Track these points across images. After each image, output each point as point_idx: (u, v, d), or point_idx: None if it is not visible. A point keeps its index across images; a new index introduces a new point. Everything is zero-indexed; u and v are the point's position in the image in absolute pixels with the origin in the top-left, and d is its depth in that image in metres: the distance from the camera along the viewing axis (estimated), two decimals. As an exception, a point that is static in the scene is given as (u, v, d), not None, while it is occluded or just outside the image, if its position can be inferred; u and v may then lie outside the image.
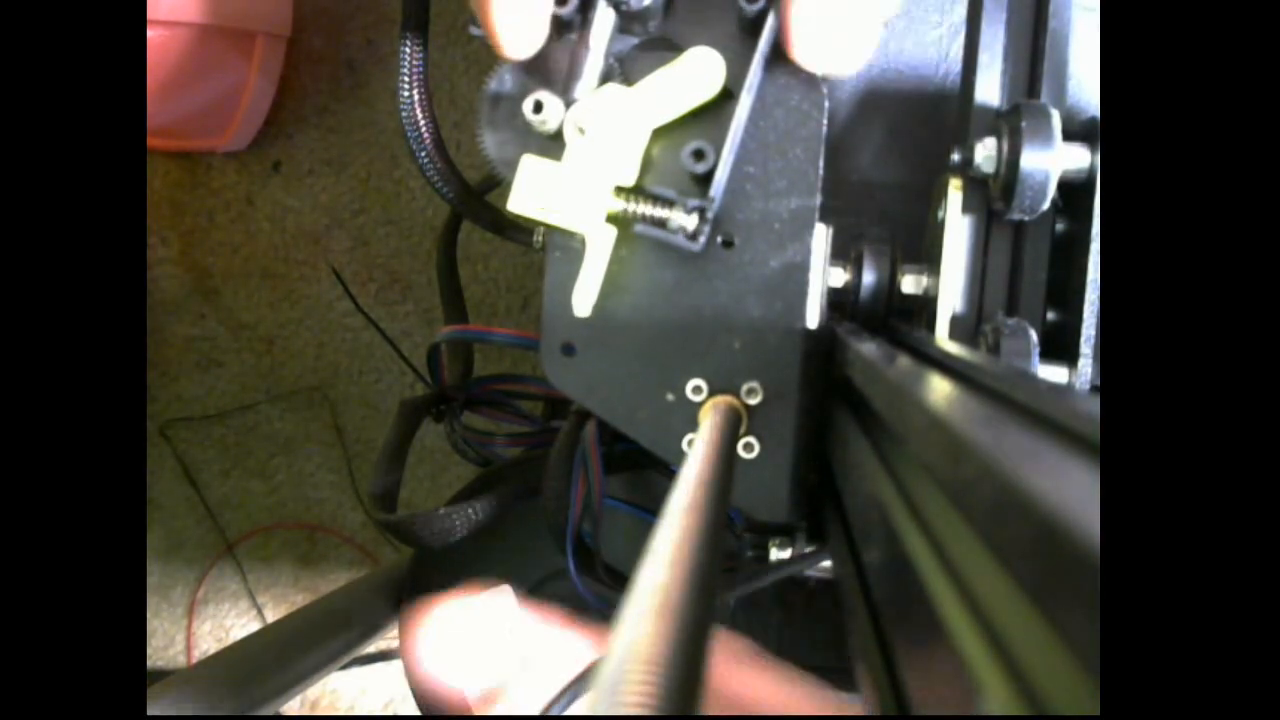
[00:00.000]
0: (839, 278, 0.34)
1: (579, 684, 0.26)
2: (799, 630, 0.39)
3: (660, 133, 0.28)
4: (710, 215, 0.28)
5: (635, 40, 0.29)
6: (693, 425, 0.30)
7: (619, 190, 0.28)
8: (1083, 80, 0.35)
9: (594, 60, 0.28)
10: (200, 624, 1.03)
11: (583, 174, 0.28)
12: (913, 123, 0.36)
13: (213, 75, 0.85)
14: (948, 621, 0.14)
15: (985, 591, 0.13)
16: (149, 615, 1.03)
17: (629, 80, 0.28)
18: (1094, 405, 0.14)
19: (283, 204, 0.97)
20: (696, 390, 0.30)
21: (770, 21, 0.27)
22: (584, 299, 0.29)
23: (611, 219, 0.29)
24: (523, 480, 0.52)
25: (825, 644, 0.39)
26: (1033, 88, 0.34)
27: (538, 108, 0.28)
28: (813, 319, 0.30)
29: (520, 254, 0.93)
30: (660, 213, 0.28)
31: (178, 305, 0.99)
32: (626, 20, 0.28)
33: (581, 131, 0.27)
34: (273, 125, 0.95)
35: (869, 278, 0.35)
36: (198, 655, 1.02)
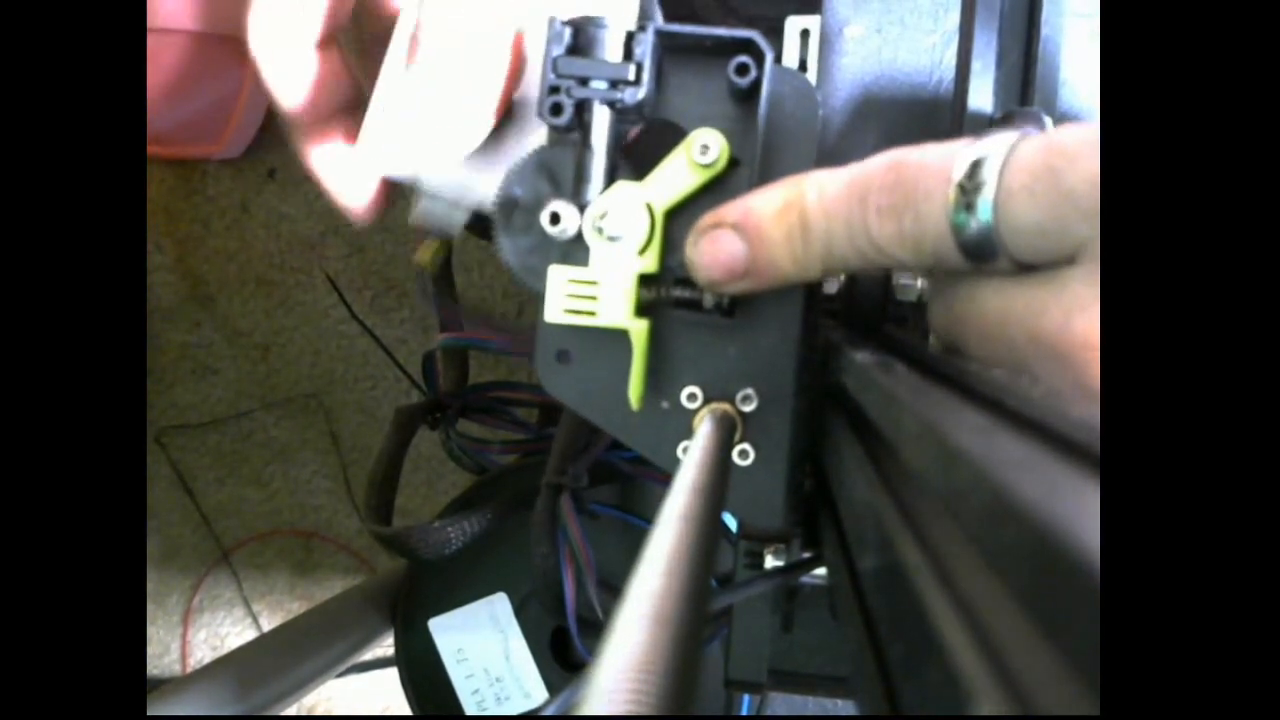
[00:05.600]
0: (833, 284, 0.34)
1: (572, 689, 0.26)
2: (794, 637, 0.39)
3: (674, 211, 0.28)
4: None
5: (634, 128, 0.29)
6: (687, 432, 0.30)
7: (645, 278, 0.29)
8: (1075, 87, 0.35)
9: (599, 160, 0.28)
10: (195, 632, 1.02)
11: (610, 274, 0.28)
12: (906, 129, 0.37)
13: (207, 82, 0.85)
14: (941, 629, 0.14)
15: (978, 599, 0.13)
16: (144, 623, 1.02)
17: (637, 170, 0.29)
18: (1089, 413, 0.14)
19: (278, 211, 0.97)
20: (691, 398, 0.30)
21: (765, 89, 0.28)
22: (634, 395, 0.30)
23: (643, 307, 0.29)
24: (518, 489, 0.52)
25: (820, 651, 0.39)
26: (1025, 94, 0.34)
27: (554, 219, 0.28)
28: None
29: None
30: (690, 294, 0.29)
31: (173, 312, 0.99)
32: (622, 114, 0.28)
33: (600, 233, 0.28)
34: (267, 132, 0.95)
35: (863, 283, 0.35)
36: (193, 664, 1.02)
